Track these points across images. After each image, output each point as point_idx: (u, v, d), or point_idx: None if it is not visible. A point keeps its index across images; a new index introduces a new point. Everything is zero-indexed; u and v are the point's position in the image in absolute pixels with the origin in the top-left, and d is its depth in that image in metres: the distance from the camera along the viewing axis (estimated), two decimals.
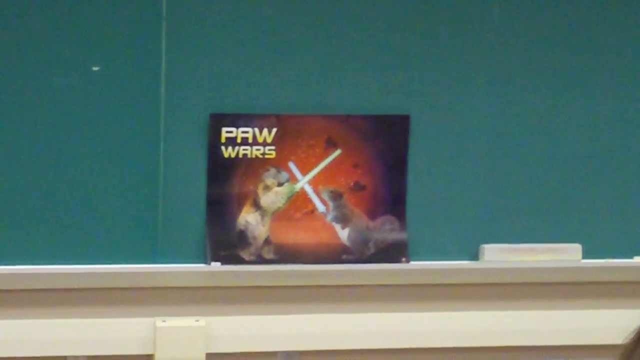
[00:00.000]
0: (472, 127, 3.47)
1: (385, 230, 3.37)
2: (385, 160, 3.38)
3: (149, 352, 3.25)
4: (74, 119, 3.23)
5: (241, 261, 3.25)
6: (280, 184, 3.30)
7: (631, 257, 3.44)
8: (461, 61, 3.46)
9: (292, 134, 3.30)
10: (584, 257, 3.46)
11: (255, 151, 3.24)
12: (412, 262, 3.42)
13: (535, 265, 3.44)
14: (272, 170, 3.25)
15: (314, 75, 3.38)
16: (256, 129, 3.25)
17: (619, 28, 3.47)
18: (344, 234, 3.35)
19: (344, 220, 3.34)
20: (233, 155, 3.24)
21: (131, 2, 3.19)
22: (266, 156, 3.26)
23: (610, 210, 3.50)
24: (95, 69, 3.22)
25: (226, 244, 3.27)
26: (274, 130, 3.25)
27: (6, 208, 3.20)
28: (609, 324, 3.30)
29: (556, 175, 3.48)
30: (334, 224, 3.33)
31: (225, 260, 3.24)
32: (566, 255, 3.43)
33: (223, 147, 3.22)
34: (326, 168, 3.35)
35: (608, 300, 3.32)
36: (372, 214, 3.36)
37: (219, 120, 3.20)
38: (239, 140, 3.24)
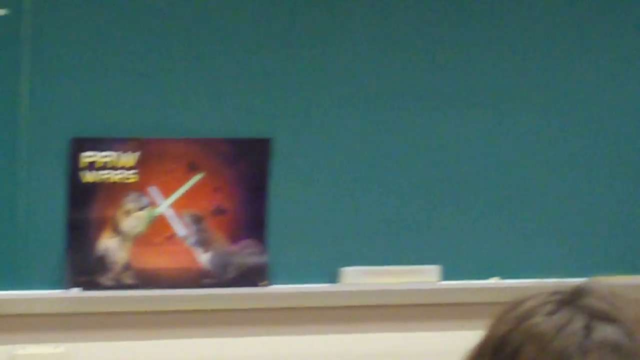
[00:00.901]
0: (332, 151, 3.51)
1: (246, 254, 3.39)
2: (246, 184, 3.41)
3: None
4: None
5: (101, 287, 3.23)
6: (140, 209, 3.29)
7: (488, 278, 3.50)
8: (322, 85, 3.51)
9: (154, 158, 3.31)
10: (443, 279, 3.50)
11: (116, 176, 3.24)
12: (272, 286, 3.45)
13: (394, 287, 3.47)
14: (133, 195, 3.25)
15: (175, 99, 3.39)
16: (118, 153, 3.25)
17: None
18: (204, 258, 3.37)
19: (204, 244, 3.35)
20: (93, 180, 3.24)
21: None
22: (127, 180, 3.26)
23: (469, 232, 3.55)
24: None
25: (86, 269, 3.25)
26: (136, 154, 3.25)
27: None
28: (467, 344, 3.37)
29: (415, 198, 3.53)
30: (194, 248, 3.34)
31: (85, 286, 3.22)
32: (424, 277, 3.47)
33: (83, 172, 3.23)
34: (187, 192, 3.36)
35: (467, 321, 3.37)
36: (233, 238, 3.39)
37: (79, 145, 3.20)
38: (99, 165, 3.24)
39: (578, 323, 1.17)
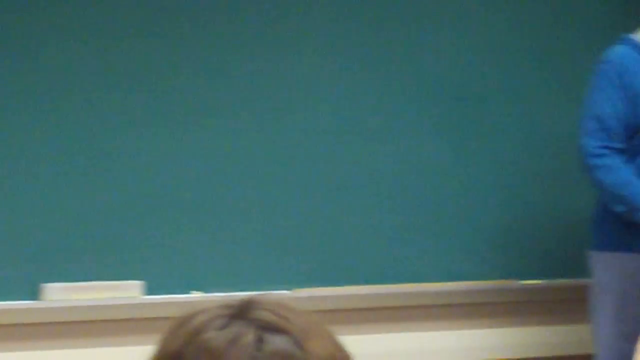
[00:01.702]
0: (60, 163, 3.52)
1: None
2: None
3: None
4: None
5: None
6: None
7: (189, 292, 3.58)
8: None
9: None
10: (146, 294, 3.54)
11: None
12: None
13: (97, 303, 3.49)
14: None
15: None
16: None
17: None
18: None
19: None
20: None
21: None
22: None
23: (171, 246, 3.63)
24: None
25: None
26: None
27: None
28: None
29: (118, 213, 3.59)
30: None
31: None
32: (128, 292, 3.49)
33: None
34: None
35: None
36: None
37: None
38: None
39: (249, 336, 1.18)
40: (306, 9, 3.80)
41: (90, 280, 3.45)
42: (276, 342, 1.17)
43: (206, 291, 3.61)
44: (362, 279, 3.95)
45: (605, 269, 3.89)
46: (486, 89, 4.14)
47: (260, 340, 1.16)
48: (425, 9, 4.09)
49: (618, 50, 3.84)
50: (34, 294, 3.49)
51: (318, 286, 3.72)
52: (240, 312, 1.19)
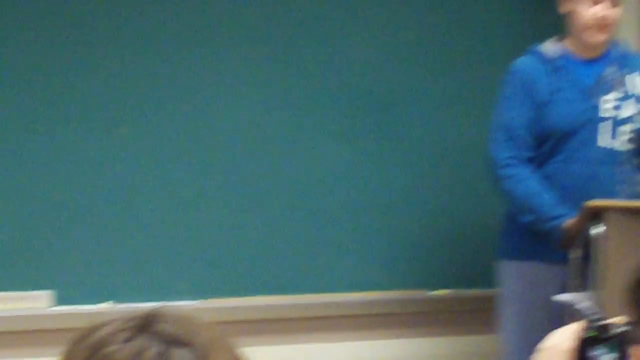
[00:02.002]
0: None
1: None
2: None
3: None
4: None
5: None
6: None
7: (99, 303, 3.59)
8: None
9: None
10: (56, 304, 3.52)
11: None
12: None
13: (5, 314, 3.47)
14: None
15: None
16: None
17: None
18: None
19: None
20: None
21: None
22: None
23: (82, 256, 3.62)
24: None
25: None
26: None
27: None
28: None
29: (26, 223, 3.57)
30: None
31: None
32: (37, 303, 3.46)
33: None
34: None
35: None
36: None
37: None
38: None
39: (153, 349, 1.17)
40: (216, 16, 3.83)
41: None
42: (180, 355, 1.17)
43: (116, 301, 3.59)
44: (270, 290, 3.94)
45: (511, 278, 3.90)
46: (396, 97, 4.14)
47: (163, 354, 1.16)
48: (331, 15, 4.07)
49: (524, 61, 3.87)
50: None
51: (226, 297, 3.73)
52: (144, 325, 1.18)
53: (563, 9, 3.80)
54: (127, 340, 1.17)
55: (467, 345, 4.43)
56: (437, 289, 4.28)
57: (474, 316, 4.38)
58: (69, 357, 1.19)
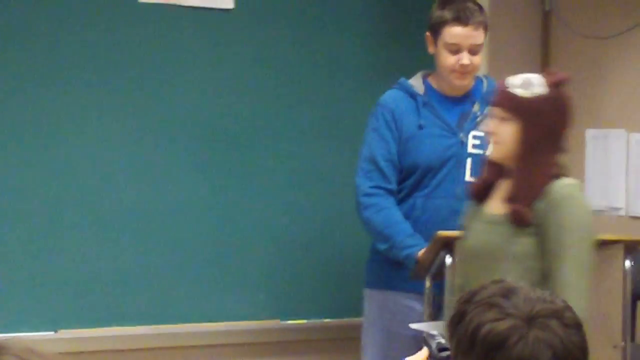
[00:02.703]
0: None
1: None
2: None
3: None
4: None
5: None
6: None
7: None
8: None
9: None
10: None
11: None
12: None
13: None
14: None
15: None
16: None
17: None
18: None
19: None
20: None
21: None
22: None
23: None
24: None
25: None
26: None
27: None
28: None
29: None
30: None
31: None
32: None
33: None
34: None
35: None
36: None
37: None
38: None
39: None
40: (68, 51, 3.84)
41: None
42: None
43: None
44: (128, 320, 3.93)
45: (373, 307, 3.98)
46: (258, 130, 4.16)
47: None
48: (180, 51, 4.09)
49: (391, 94, 3.95)
50: None
51: (82, 327, 3.74)
52: None
53: (429, 49, 3.92)
54: None
55: None
56: (298, 318, 4.32)
57: (338, 344, 4.44)
58: None
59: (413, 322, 3.97)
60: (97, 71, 3.95)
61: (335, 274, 4.47)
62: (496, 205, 3.36)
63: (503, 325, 1.74)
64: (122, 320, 3.86)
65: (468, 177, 4.03)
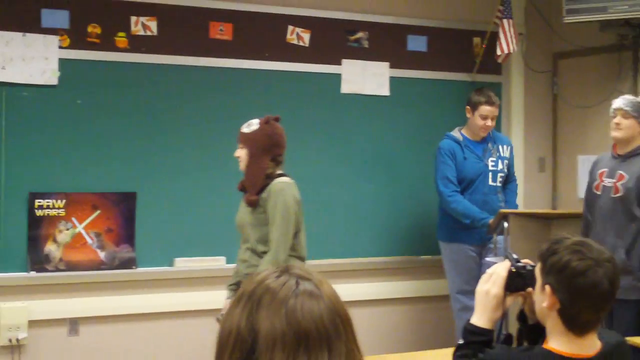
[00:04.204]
0: (168, 195, 5.22)
1: (124, 252, 5.21)
2: (123, 216, 5.27)
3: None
4: None
5: (47, 270, 5.04)
6: (67, 229, 5.12)
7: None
8: (174, 153, 5.17)
9: (76, 202, 5.16)
10: (227, 263, 5.26)
11: (53, 212, 5.11)
12: (138, 269, 5.21)
13: (200, 267, 5.31)
14: (63, 222, 5.15)
15: (85, 172, 5.13)
16: (54, 200, 5.09)
17: None
18: (102, 254, 5.16)
19: (102, 247, 5.18)
20: (42, 214, 5.09)
21: None
22: (59, 214, 5.12)
23: None
24: None
25: (38, 261, 5.01)
26: (64, 200, 5.15)
27: None
28: None
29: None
30: (97, 249, 5.16)
31: (38, 270, 5.04)
32: (215, 263, 5.36)
33: (36, 210, 5.08)
34: (92, 220, 5.16)
35: None
36: (117, 243, 5.22)
37: (33, 195, 5.10)
38: (45, 206, 5.08)
39: (292, 281, 1.50)
40: None
41: (196, 256, 5.23)
42: (305, 284, 1.51)
43: None
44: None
45: (446, 249, 5.43)
46: (400, 157, 5.63)
47: (298, 282, 1.50)
48: (360, 118, 5.72)
49: (445, 142, 5.46)
50: (170, 263, 5.27)
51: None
52: (284, 270, 1.53)
53: (468, 115, 5.43)
54: (277, 277, 1.52)
55: (427, 285, 5.99)
56: (406, 255, 5.91)
57: (430, 270, 5.95)
58: (243, 291, 1.53)
59: (472, 261, 5.43)
60: (327, 137, 5.47)
61: (428, 234, 5.87)
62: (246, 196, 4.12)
63: (584, 263, 2.19)
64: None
65: (490, 183, 5.48)
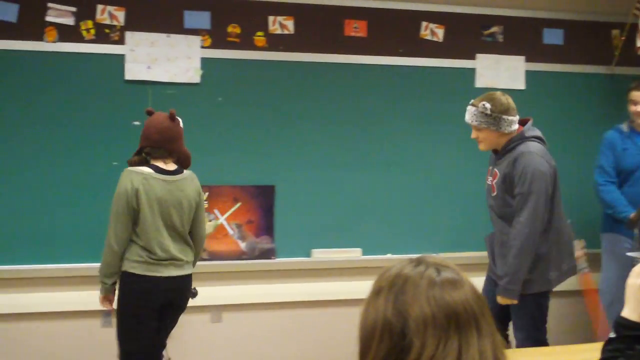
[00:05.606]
0: (306, 190, 5.29)
1: (264, 243, 5.30)
2: (263, 208, 5.36)
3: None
4: None
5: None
6: (210, 221, 5.24)
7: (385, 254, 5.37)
8: (310, 148, 5.24)
9: (217, 195, 5.29)
10: (363, 254, 5.35)
11: None
12: (277, 259, 5.30)
13: (337, 258, 5.38)
14: (206, 214, 5.11)
15: (227, 168, 5.23)
16: None
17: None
18: (243, 245, 5.27)
19: (242, 238, 5.29)
20: None
21: None
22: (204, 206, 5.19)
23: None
24: None
25: None
26: (207, 193, 5.25)
27: None
28: None
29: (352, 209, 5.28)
30: (238, 240, 5.27)
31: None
32: (352, 254, 5.42)
33: None
34: (233, 212, 5.27)
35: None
36: (257, 234, 5.31)
37: None
38: None
39: (431, 269, 1.52)
40: None
41: (334, 247, 5.26)
42: (446, 272, 1.54)
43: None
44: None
45: (605, 240, 5.33)
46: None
47: (438, 270, 1.54)
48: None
49: (608, 132, 5.35)
50: (307, 254, 5.37)
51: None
52: (419, 260, 1.57)
53: (628, 107, 5.30)
54: (415, 266, 1.53)
55: None
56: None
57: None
58: (379, 285, 1.55)
59: (627, 251, 4.83)
60: (463, 131, 5.19)
61: (590, 225, 5.64)
62: None
63: None
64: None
65: None
